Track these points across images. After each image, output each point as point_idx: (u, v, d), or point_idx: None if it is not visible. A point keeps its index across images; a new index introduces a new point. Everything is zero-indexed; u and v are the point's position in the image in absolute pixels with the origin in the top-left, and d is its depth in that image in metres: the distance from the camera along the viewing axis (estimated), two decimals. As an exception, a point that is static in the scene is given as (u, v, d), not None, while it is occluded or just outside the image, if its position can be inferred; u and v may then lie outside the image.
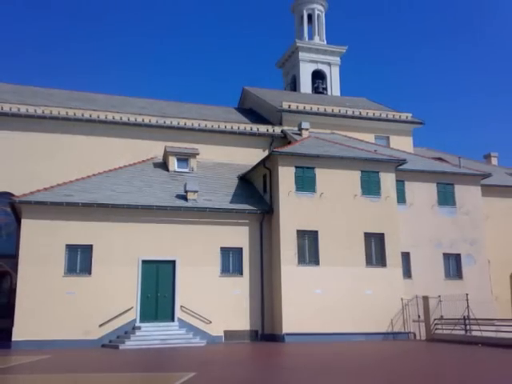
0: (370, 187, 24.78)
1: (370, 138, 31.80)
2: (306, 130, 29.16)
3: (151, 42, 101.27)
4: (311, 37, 48.65)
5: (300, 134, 29.09)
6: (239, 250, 23.75)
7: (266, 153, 27.88)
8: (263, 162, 25.24)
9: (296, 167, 24.10)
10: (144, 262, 22.46)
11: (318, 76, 46.45)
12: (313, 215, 23.70)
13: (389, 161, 25.52)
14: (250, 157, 28.73)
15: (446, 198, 27.22)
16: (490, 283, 27.01)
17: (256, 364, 16.08)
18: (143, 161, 27.55)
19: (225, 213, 23.76)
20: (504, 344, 18.41)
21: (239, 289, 23.34)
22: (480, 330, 20.81)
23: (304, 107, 31.79)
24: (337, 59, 47.08)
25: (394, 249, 24.33)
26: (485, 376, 12.30)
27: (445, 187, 27.35)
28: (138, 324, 21.72)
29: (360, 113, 32.67)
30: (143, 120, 29.32)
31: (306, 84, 45.56)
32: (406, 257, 25.28)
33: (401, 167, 25.77)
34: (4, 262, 25.57)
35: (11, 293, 23.72)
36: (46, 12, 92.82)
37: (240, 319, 23.03)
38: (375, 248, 24.29)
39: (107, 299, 21.51)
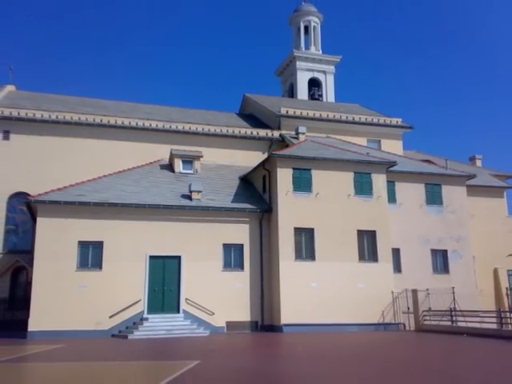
0: (363, 187, 24.81)
1: (362, 141, 31.83)
2: (303, 134, 29.14)
3: (158, 52, 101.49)
4: (308, 47, 48.61)
5: (297, 138, 29.08)
6: (240, 247, 23.76)
7: (266, 155, 27.86)
8: (263, 163, 25.26)
9: (293, 169, 24.12)
10: (151, 257, 22.47)
11: (314, 83, 46.46)
12: (309, 214, 23.72)
13: (380, 163, 25.56)
14: (250, 159, 28.75)
15: (433, 197, 27.23)
16: (475, 277, 27.02)
17: (256, 353, 16.11)
18: (150, 163, 27.57)
19: (227, 211, 23.78)
20: (487, 334, 18.47)
21: (240, 282, 23.35)
22: (465, 321, 20.87)
23: (301, 113, 31.79)
24: (331, 68, 47.06)
25: (385, 245, 24.35)
26: (469, 362, 12.36)
27: (432, 187, 27.36)
28: (145, 315, 21.74)
29: (353, 118, 32.68)
30: (150, 125, 29.33)
31: (302, 91, 45.56)
32: (396, 253, 25.28)
33: (391, 169, 25.78)
34: (21, 258, 25.59)
35: (27, 286, 23.72)
36: (59, 24, 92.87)
37: (241, 311, 23.04)
38: (367, 244, 24.31)
39: (117, 292, 21.53)
